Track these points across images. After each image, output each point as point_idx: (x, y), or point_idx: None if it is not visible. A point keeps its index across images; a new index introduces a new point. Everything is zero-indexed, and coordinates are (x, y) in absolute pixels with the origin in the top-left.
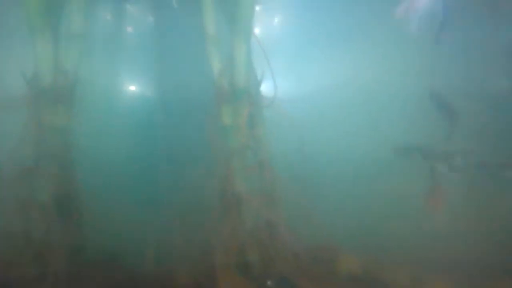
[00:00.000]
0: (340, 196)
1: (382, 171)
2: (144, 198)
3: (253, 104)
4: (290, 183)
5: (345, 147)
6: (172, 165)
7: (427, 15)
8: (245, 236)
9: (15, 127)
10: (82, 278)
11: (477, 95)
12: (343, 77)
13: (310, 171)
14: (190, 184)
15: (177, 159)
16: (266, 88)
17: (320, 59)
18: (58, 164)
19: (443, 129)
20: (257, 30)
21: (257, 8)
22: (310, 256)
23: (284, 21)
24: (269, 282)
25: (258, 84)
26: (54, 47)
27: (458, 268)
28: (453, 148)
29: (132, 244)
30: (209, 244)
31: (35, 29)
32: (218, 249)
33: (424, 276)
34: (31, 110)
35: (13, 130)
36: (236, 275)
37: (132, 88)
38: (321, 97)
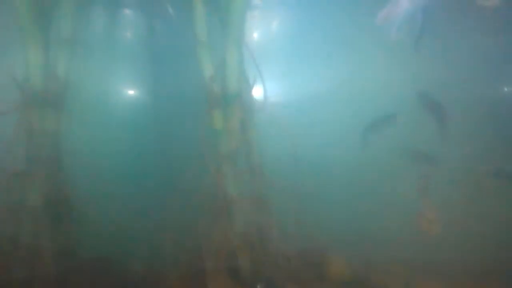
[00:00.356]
0: (331, 200)
1: (374, 174)
2: (136, 202)
3: (244, 109)
4: (281, 187)
5: (336, 151)
6: (164, 169)
7: (407, 21)
8: (236, 240)
9: (6, 131)
10: (73, 280)
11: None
12: (334, 82)
13: (302, 175)
14: (182, 187)
15: (169, 162)
16: (258, 92)
17: (312, 64)
18: (48, 168)
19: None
20: (254, 35)
21: (251, 14)
22: (300, 260)
23: (278, 27)
24: (258, 286)
25: (250, 88)
26: (45, 52)
27: (450, 271)
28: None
29: (123, 247)
30: (200, 247)
31: (26, 34)
32: (209, 253)
33: (416, 279)
34: (21, 114)
35: (4, 134)
36: (227, 278)
37: (125, 92)
38: (312, 101)
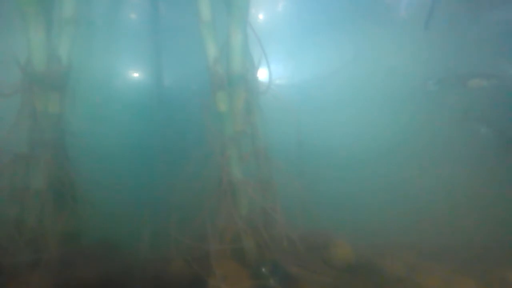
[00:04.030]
0: (336, 183)
1: (378, 158)
2: (140, 185)
3: (249, 90)
4: (286, 170)
5: (341, 134)
6: (168, 152)
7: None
8: (241, 223)
9: (9, 114)
10: (77, 263)
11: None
12: (340, 63)
13: (306, 157)
14: (187, 170)
15: (173, 145)
16: (263, 74)
17: (317, 46)
18: (52, 150)
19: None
20: (259, 16)
21: None
22: (305, 243)
23: (283, 7)
24: (263, 269)
25: (254, 70)
26: (47, 34)
27: (454, 254)
28: None
29: (127, 231)
30: (205, 230)
31: (28, 15)
32: (214, 236)
33: (420, 263)
34: (24, 97)
35: (7, 116)
36: (232, 261)
37: (129, 73)
38: (317, 83)
